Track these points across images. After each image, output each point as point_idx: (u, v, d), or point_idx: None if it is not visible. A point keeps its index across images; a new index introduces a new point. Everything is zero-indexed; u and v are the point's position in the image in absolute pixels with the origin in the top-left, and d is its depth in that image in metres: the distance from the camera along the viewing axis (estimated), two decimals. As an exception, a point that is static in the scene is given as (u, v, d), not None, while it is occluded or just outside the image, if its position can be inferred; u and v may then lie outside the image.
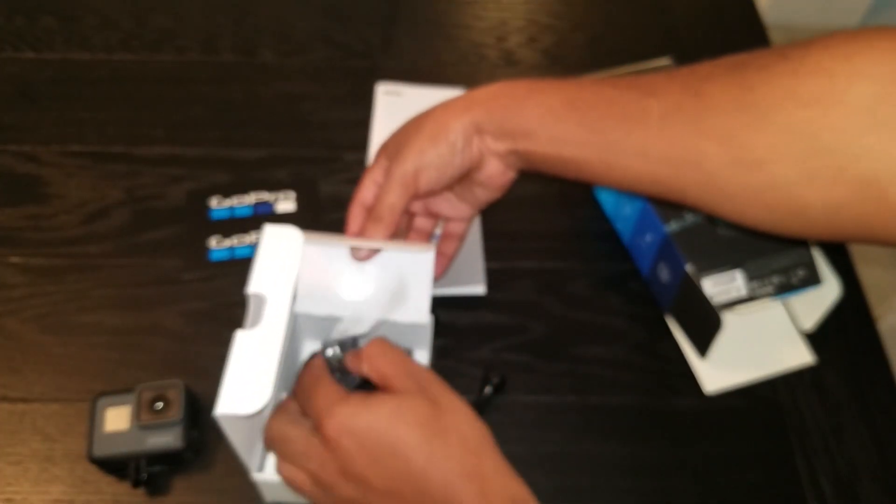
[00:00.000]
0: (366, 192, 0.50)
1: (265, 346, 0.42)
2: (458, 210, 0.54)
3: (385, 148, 0.51)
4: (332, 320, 0.48)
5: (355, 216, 0.50)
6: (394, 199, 0.48)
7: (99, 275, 0.58)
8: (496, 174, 0.50)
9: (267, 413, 0.43)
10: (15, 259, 0.58)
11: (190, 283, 0.58)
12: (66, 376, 0.53)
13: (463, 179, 0.50)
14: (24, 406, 0.52)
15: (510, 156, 0.48)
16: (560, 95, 0.46)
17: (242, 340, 0.42)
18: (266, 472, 0.46)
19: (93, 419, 0.48)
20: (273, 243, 0.47)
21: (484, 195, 0.52)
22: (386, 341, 0.43)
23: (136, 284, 0.58)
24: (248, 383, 0.41)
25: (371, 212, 0.49)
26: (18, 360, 0.54)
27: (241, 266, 0.59)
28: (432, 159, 0.47)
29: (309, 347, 0.53)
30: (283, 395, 0.47)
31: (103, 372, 0.54)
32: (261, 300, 0.44)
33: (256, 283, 0.45)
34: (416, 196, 0.49)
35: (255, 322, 0.43)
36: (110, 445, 0.47)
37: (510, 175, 0.50)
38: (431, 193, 0.50)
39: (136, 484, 0.47)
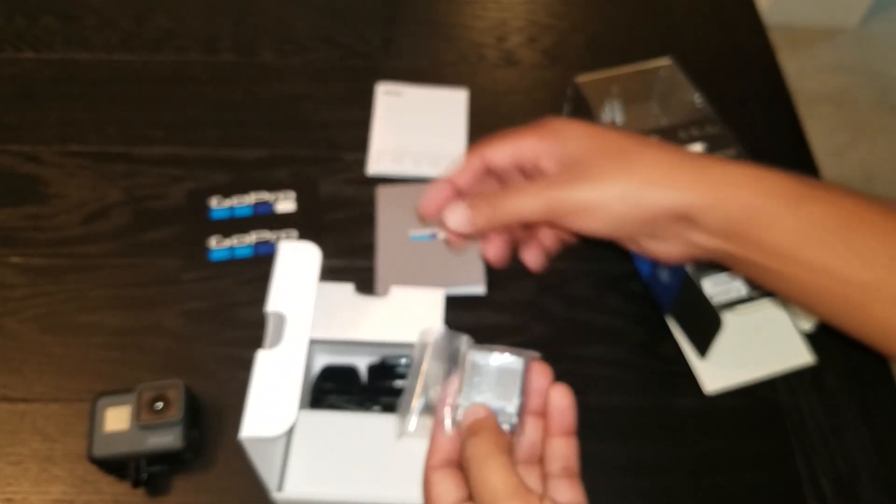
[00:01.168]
0: (464, 174, 0.42)
1: (287, 366, 0.42)
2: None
3: (534, 134, 0.41)
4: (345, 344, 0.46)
5: (442, 191, 0.43)
6: (529, 208, 0.39)
7: (99, 275, 0.58)
8: (668, 257, 0.41)
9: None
10: (15, 259, 0.58)
11: (190, 283, 0.58)
12: (66, 376, 0.53)
13: None
14: (24, 406, 0.52)
15: (710, 253, 0.39)
16: (831, 207, 0.37)
17: (263, 361, 0.42)
18: (285, 491, 0.46)
19: (93, 419, 0.48)
20: (289, 260, 0.46)
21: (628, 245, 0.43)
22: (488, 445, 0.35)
23: (136, 284, 0.58)
24: (271, 405, 0.40)
25: (490, 199, 0.40)
26: (18, 360, 0.54)
27: (241, 266, 0.59)
28: (616, 209, 0.38)
29: (321, 361, 0.53)
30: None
31: (103, 372, 0.54)
32: (280, 319, 0.44)
33: (275, 302, 0.44)
34: (558, 227, 0.41)
35: (276, 342, 0.43)
36: (110, 445, 0.47)
37: (682, 261, 0.42)
38: (577, 234, 0.41)
39: (136, 484, 0.47)
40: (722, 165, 0.38)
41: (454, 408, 0.37)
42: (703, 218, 0.38)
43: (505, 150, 0.42)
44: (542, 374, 0.38)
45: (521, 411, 0.37)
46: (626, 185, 0.38)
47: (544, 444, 0.38)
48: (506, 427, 0.37)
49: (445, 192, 0.43)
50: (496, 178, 0.44)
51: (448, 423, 0.37)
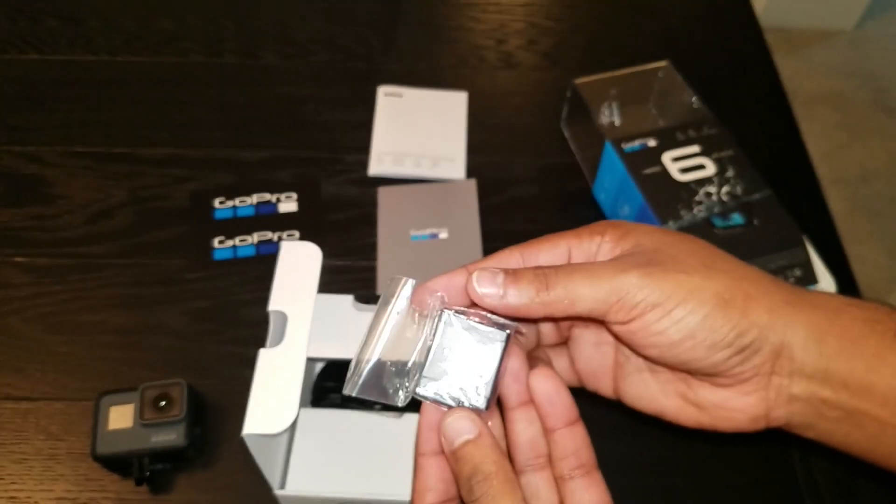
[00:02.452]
0: (545, 253, 0.33)
1: (288, 364, 0.42)
2: (597, 363, 0.37)
3: (617, 227, 0.33)
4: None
5: (455, 275, 0.32)
6: (589, 295, 0.29)
7: (103, 274, 0.58)
8: (738, 418, 0.34)
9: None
10: (19, 259, 0.59)
11: (193, 283, 0.58)
12: (69, 375, 0.54)
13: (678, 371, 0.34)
14: (29, 404, 0.53)
15: (797, 404, 0.32)
16: None
17: (265, 359, 0.42)
18: (288, 488, 0.46)
19: (96, 417, 0.48)
20: (291, 260, 0.46)
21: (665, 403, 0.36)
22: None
23: (139, 284, 0.58)
24: (273, 403, 0.41)
25: (542, 273, 0.31)
26: (23, 359, 0.54)
27: (243, 266, 0.59)
28: (705, 313, 0.29)
29: (321, 361, 0.53)
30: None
31: (107, 371, 0.54)
32: (282, 318, 0.44)
33: (277, 301, 0.45)
34: (611, 333, 0.33)
35: (277, 340, 0.43)
36: (114, 443, 0.47)
37: (745, 425, 0.34)
38: (651, 357, 0.32)
39: (140, 482, 0.48)
40: (810, 293, 0.32)
41: (416, 376, 0.32)
42: (798, 353, 0.30)
43: (560, 249, 0.33)
44: (514, 355, 0.32)
45: (493, 393, 0.32)
46: (721, 284, 0.30)
47: (548, 440, 0.33)
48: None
49: (459, 277, 0.32)
50: None
51: (402, 395, 0.31)
